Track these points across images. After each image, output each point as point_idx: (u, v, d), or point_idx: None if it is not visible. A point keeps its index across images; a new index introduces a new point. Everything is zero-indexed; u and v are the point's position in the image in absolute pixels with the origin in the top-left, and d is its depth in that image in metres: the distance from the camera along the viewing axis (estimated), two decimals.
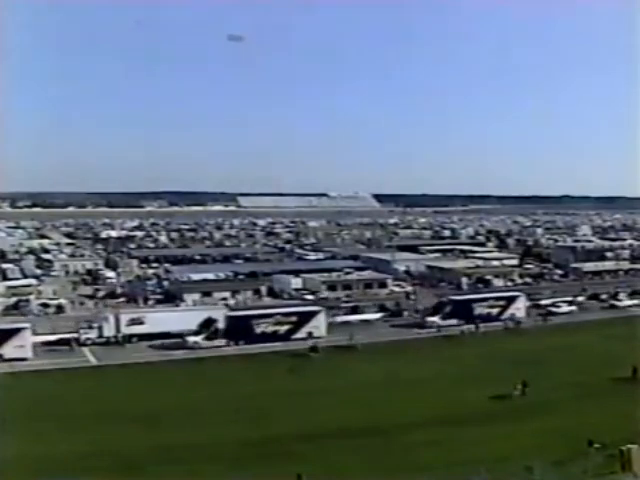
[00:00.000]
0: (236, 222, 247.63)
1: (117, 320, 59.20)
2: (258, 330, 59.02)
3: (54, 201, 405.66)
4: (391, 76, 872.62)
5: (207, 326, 58.13)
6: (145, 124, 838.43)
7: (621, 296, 79.58)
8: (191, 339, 56.62)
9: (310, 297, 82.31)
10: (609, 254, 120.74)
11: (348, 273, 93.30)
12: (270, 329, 59.33)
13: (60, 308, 73.76)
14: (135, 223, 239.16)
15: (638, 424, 30.49)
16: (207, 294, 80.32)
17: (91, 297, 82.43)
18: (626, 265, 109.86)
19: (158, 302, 78.02)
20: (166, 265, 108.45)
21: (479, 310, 68.14)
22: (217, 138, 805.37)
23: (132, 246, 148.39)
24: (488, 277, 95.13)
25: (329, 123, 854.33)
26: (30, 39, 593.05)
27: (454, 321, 65.56)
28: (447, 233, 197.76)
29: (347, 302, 77.47)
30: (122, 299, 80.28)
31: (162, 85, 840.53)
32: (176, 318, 61.23)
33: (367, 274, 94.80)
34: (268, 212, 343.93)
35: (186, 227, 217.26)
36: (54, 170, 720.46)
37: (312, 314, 62.08)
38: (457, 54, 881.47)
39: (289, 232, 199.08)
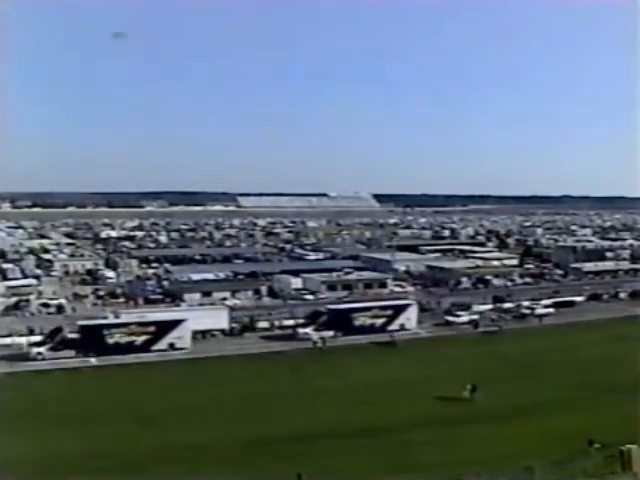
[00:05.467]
0: (236, 222, 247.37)
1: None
2: (111, 341, 54.57)
3: (54, 201, 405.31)
4: (391, 75, 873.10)
5: (53, 336, 53.98)
6: (145, 124, 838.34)
7: (537, 305, 73.35)
8: (34, 350, 52.34)
9: (310, 297, 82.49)
10: (609, 254, 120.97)
11: (348, 273, 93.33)
12: (124, 340, 54.96)
13: (60, 308, 73.82)
14: (135, 223, 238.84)
15: (637, 424, 30.52)
16: (207, 294, 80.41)
17: (91, 297, 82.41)
18: (626, 265, 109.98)
19: (158, 302, 78.03)
20: (166, 265, 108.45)
21: (361, 320, 63.13)
22: (217, 138, 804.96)
23: (132, 246, 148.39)
24: (488, 277, 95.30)
25: (329, 123, 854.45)
26: (31, 39, 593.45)
27: (331, 333, 60.21)
28: (447, 233, 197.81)
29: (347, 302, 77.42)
30: (122, 299, 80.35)
31: (162, 84, 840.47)
32: (176, 318, 61.25)
33: (367, 274, 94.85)
34: (268, 212, 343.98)
35: (186, 227, 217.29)
36: (54, 170, 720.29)
37: (176, 323, 57.11)
38: (457, 53, 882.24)
39: (289, 232, 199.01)
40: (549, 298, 78.62)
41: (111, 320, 59.82)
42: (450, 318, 67.24)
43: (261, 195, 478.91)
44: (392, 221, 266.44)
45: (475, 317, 67.63)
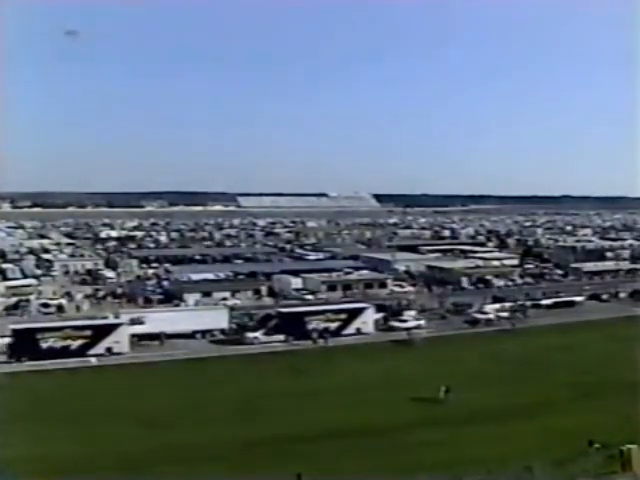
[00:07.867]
0: (236, 222, 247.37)
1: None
2: (45, 345, 52.95)
3: (54, 201, 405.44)
4: (391, 75, 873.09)
5: None
6: (145, 124, 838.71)
7: (487, 308, 70.86)
8: None
9: (310, 297, 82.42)
10: (609, 254, 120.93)
11: (348, 273, 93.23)
12: (59, 344, 53.25)
13: (60, 308, 73.81)
14: (135, 223, 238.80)
15: (637, 424, 30.51)
16: (207, 294, 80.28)
17: (91, 297, 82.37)
18: (626, 265, 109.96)
19: (158, 302, 77.86)
20: (166, 265, 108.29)
21: (315, 324, 60.86)
22: (217, 138, 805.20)
23: (132, 246, 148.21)
24: (488, 277, 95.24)
25: (330, 123, 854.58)
26: (31, 39, 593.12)
27: (281, 337, 58.70)
28: (447, 233, 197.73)
29: (347, 302, 77.35)
30: (122, 299, 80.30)
31: (161, 84, 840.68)
32: (176, 318, 61.31)
33: (367, 274, 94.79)
34: (268, 212, 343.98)
35: (186, 227, 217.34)
36: (54, 170, 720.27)
37: (113, 327, 55.93)
38: (455, 52, 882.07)
39: (289, 232, 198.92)
40: (549, 298, 78.73)
41: (46, 324, 58.45)
42: (395, 323, 64.50)
43: (261, 195, 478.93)
44: (392, 221, 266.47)
45: (421, 322, 65.08)
